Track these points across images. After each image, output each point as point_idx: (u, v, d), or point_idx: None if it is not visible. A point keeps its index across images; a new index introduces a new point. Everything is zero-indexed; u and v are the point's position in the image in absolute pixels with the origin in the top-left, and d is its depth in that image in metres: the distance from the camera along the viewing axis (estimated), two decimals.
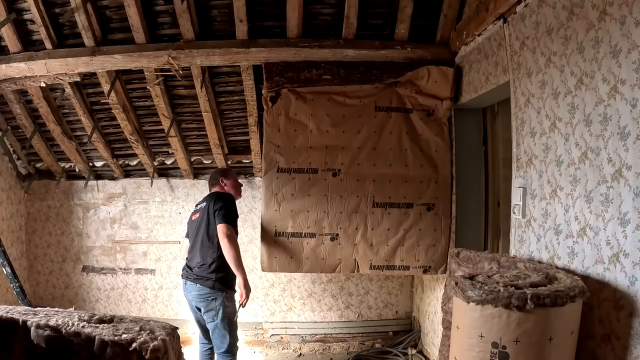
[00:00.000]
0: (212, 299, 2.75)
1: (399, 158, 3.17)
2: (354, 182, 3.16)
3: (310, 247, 3.18)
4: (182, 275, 2.92)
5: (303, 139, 3.14)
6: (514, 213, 2.29)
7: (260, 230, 3.30)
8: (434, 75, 3.07)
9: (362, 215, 3.17)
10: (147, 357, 1.44)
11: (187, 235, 3.06)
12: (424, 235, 3.16)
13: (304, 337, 4.38)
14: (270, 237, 3.19)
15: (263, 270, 3.28)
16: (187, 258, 2.95)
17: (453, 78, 3.07)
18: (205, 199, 2.98)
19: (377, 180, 3.16)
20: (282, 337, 4.40)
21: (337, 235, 3.18)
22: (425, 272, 3.22)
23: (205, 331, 2.92)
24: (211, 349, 2.95)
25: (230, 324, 2.79)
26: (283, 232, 3.17)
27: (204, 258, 2.80)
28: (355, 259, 3.20)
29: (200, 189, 4.41)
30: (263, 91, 3.09)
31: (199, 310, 2.83)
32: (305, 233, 3.17)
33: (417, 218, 3.15)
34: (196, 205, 3.11)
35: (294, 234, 3.17)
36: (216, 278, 2.75)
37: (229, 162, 4.21)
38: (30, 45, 3.22)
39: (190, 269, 2.86)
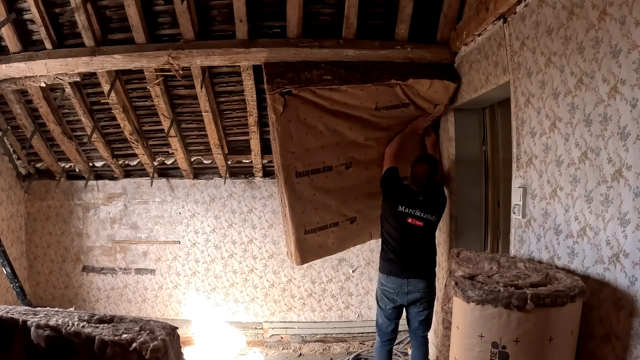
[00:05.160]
0: None
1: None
2: (363, 170, 3.38)
3: (335, 234, 3.45)
4: None
5: (315, 140, 3.18)
6: (514, 213, 2.29)
7: (286, 231, 3.45)
8: (436, 86, 3.13)
9: (373, 195, 3.40)
10: (147, 357, 1.44)
11: None
12: None
13: (304, 337, 4.38)
14: (300, 237, 3.34)
15: (296, 264, 3.51)
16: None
17: (453, 91, 3.15)
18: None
19: (381, 165, 3.37)
20: (282, 337, 4.41)
21: (355, 218, 3.48)
22: None
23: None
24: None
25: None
26: (311, 230, 3.36)
27: None
28: (370, 232, 3.57)
29: (200, 188, 4.41)
30: (268, 100, 3.08)
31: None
32: (329, 224, 3.40)
33: None
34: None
35: (321, 227, 3.38)
36: None
37: (229, 162, 4.21)
38: (30, 45, 3.21)
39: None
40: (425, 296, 2.92)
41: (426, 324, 3.01)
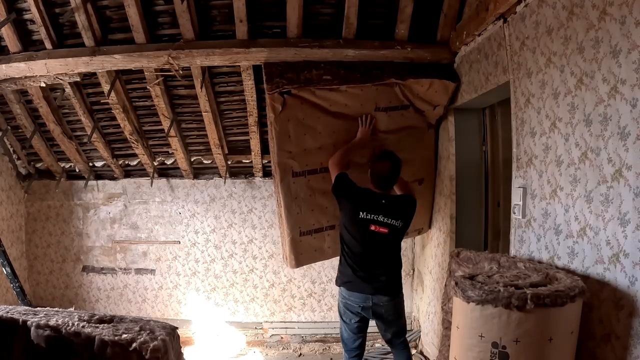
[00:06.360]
0: None
1: (396, 146, 3.27)
2: (361, 173, 3.26)
3: (331, 237, 3.33)
4: None
5: (312, 140, 3.15)
6: (514, 213, 2.29)
7: (281, 233, 3.38)
8: (436, 86, 3.12)
9: None
10: (147, 357, 1.44)
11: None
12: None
13: (304, 337, 4.38)
14: (295, 238, 3.27)
15: (290, 267, 3.43)
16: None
17: (452, 91, 3.14)
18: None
19: None
20: (282, 337, 4.41)
21: None
22: (419, 233, 3.79)
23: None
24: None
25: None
26: (307, 231, 3.28)
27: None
28: None
29: (200, 188, 4.41)
30: (267, 99, 3.07)
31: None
32: (325, 227, 3.32)
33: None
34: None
35: (317, 229, 3.30)
36: None
37: (229, 162, 4.21)
38: (30, 45, 3.22)
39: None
40: (390, 309, 2.72)
41: (399, 333, 2.86)
